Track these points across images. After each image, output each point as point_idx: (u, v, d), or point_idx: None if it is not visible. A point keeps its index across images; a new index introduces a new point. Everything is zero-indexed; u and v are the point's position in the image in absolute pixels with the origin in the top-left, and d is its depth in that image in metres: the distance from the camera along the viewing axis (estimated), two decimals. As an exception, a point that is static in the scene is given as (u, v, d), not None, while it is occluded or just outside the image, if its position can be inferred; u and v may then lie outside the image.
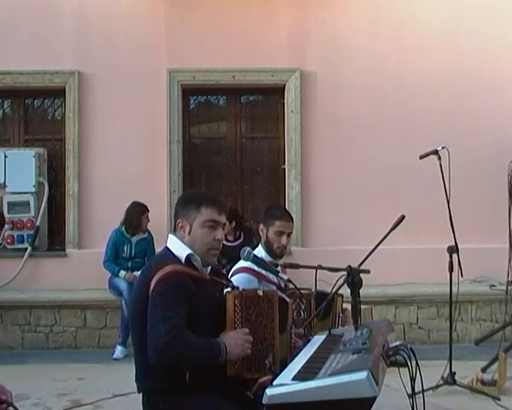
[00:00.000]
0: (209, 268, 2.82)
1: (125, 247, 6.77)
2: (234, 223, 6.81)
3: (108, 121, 7.28)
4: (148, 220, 6.83)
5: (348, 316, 3.59)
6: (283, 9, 7.36)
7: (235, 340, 2.57)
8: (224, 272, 3.52)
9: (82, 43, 7.31)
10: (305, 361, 2.42)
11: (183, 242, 2.75)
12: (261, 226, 3.78)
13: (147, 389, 2.71)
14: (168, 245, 2.80)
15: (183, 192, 7.28)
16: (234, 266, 3.74)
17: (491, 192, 7.04)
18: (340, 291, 3.25)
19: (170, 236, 2.84)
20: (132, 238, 6.78)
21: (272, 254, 3.72)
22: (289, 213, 3.92)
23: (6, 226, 7.08)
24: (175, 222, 2.83)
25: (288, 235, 3.76)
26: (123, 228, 6.76)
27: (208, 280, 2.76)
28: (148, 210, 6.79)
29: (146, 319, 2.55)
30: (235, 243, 6.71)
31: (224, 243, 2.96)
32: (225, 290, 2.79)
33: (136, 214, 6.75)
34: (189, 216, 2.76)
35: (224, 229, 2.82)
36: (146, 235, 6.86)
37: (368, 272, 3.14)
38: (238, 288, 2.80)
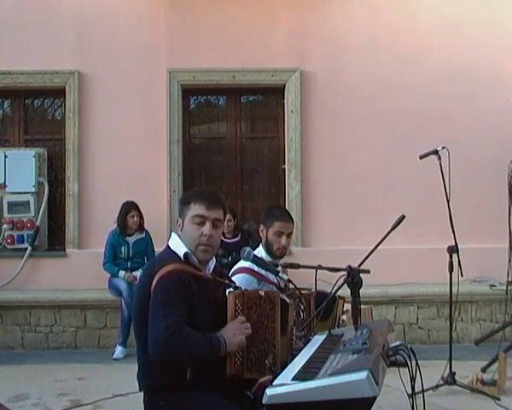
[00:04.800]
0: (211, 268, 2.82)
1: (122, 248, 6.75)
2: (235, 221, 6.86)
3: (108, 121, 7.27)
4: (138, 219, 6.75)
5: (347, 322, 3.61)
6: (283, 9, 7.36)
7: (233, 330, 2.59)
8: (224, 262, 3.54)
9: (82, 43, 7.31)
10: (305, 361, 2.42)
11: (181, 239, 2.78)
12: (261, 227, 3.77)
13: (148, 386, 2.72)
14: (169, 243, 2.82)
15: (183, 192, 7.30)
16: (231, 259, 3.75)
17: (491, 192, 7.04)
18: (340, 291, 3.25)
19: (172, 234, 2.86)
20: (129, 239, 6.77)
21: (272, 254, 3.71)
22: (289, 214, 3.90)
23: (5, 226, 7.10)
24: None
25: (288, 235, 3.74)
26: (118, 229, 6.76)
27: (210, 279, 2.77)
28: (134, 209, 6.73)
29: (148, 317, 2.56)
30: (232, 241, 6.76)
31: (222, 238, 2.94)
32: (227, 290, 2.79)
33: (122, 214, 6.73)
34: (182, 213, 2.80)
35: (216, 226, 2.75)
36: (143, 235, 6.84)
37: (368, 272, 3.14)
38: (241, 288, 2.79)
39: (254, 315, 2.66)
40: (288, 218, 3.79)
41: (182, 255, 2.72)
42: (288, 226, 3.74)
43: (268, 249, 3.72)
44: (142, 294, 2.68)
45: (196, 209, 2.74)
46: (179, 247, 2.75)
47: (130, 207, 6.73)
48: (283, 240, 3.70)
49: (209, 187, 7.43)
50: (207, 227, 2.72)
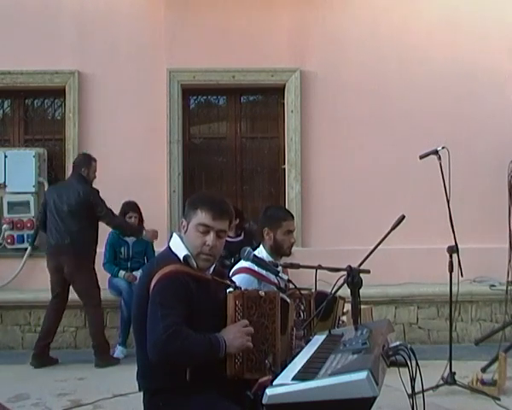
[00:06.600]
0: (211, 268, 2.81)
1: (122, 248, 6.74)
2: (238, 220, 6.82)
3: (108, 121, 7.27)
4: (136, 221, 6.70)
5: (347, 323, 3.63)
6: (283, 9, 7.36)
7: (234, 333, 2.58)
8: (226, 263, 3.53)
9: (82, 43, 7.31)
10: (305, 361, 2.42)
11: (183, 241, 2.76)
12: (266, 230, 3.80)
13: (148, 387, 2.72)
14: (170, 244, 2.81)
15: (183, 192, 7.30)
16: (234, 261, 3.79)
17: (491, 192, 7.04)
18: (340, 291, 3.26)
19: (173, 234, 2.85)
20: (129, 239, 6.74)
21: (282, 254, 3.81)
22: (289, 211, 4.10)
23: (5, 226, 7.10)
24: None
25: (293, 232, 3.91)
26: None
27: (211, 280, 2.77)
28: (133, 210, 6.69)
29: (147, 318, 2.56)
30: (236, 240, 6.72)
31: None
32: (227, 290, 2.79)
33: (121, 214, 6.68)
34: (189, 216, 2.77)
35: (219, 236, 2.72)
36: (143, 235, 6.83)
37: (368, 272, 3.15)
38: (240, 288, 2.79)
39: (254, 315, 2.66)
40: (291, 215, 3.96)
41: (182, 257, 2.71)
42: (293, 223, 3.91)
43: (276, 250, 3.78)
44: (141, 294, 2.68)
45: (202, 218, 2.71)
46: (180, 248, 2.74)
47: (128, 208, 6.71)
48: (292, 237, 3.85)
49: (209, 187, 7.46)
50: (211, 237, 2.70)
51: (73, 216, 6.06)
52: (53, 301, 6.22)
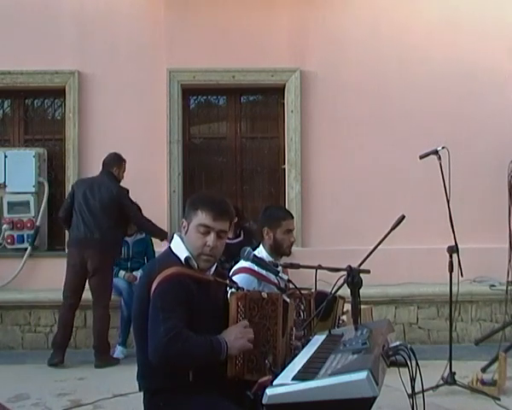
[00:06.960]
0: (213, 269, 2.81)
1: (122, 248, 6.73)
2: (236, 218, 6.75)
3: (108, 121, 7.27)
4: None
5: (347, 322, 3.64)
6: (283, 9, 7.36)
7: (235, 334, 2.58)
8: (226, 266, 3.52)
9: (82, 43, 7.30)
10: (305, 361, 2.42)
11: (183, 242, 2.76)
12: (266, 230, 3.80)
13: (148, 387, 2.72)
14: (171, 245, 2.81)
15: (183, 192, 7.30)
16: (234, 264, 3.79)
17: (491, 192, 7.04)
18: (340, 291, 3.26)
19: (174, 236, 2.84)
20: (129, 239, 6.73)
21: (282, 253, 3.82)
22: (289, 211, 4.13)
23: (5, 226, 7.10)
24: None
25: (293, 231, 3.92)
26: None
27: (212, 281, 2.76)
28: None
29: (147, 318, 2.57)
30: (235, 241, 6.68)
31: None
32: (229, 291, 2.79)
33: None
34: (189, 217, 2.77)
35: (220, 237, 2.72)
36: (143, 235, 6.79)
37: (368, 272, 3.15)
38: (243, 289, 2.79)
39: (256, 317, 2.66)
40: (291, 215, 3.98)
41: (183, 259, 2.71)
42: (293, 222, 3.93)
43: (276, 250, 3.78)
44: (141, 295, 2.68)
45: (203, 218, 2.70)
46: (181, 250, 2.73)
47: None
48: (292, 237, 3.86)
49: (209, 187, 7.46)
50: (211, 238, 2.70)
51: (105, 212, 6.06)
52: (67, 302, 6.12)
